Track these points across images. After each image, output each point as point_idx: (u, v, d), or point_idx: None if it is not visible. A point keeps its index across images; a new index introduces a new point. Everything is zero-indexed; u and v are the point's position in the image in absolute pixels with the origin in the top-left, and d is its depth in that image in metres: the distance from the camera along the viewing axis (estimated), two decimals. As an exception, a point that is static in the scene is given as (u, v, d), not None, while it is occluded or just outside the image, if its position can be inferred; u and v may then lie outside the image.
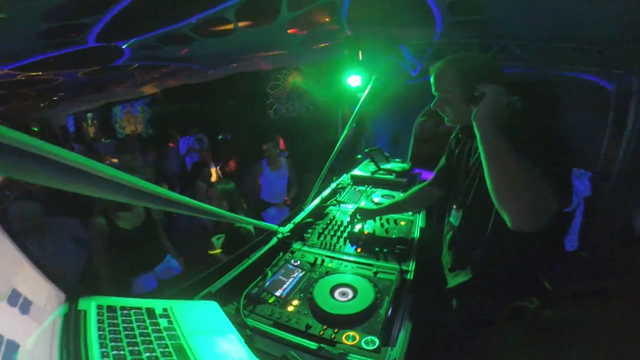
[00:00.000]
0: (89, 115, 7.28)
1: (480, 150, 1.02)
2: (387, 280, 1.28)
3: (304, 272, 1.37)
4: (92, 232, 2.16)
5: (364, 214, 1.73)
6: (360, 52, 2.72)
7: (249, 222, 1.72)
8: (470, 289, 1.36)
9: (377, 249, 1.54)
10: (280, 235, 1.62)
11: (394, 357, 0.91)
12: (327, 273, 1.34)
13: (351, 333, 0.98)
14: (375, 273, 1.33)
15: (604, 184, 3.50)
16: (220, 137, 5.28)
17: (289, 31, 2.37)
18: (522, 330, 1.90)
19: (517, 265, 1.28)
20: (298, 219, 1.83)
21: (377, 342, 0.94)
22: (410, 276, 1.36)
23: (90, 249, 2.21)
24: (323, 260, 1.46)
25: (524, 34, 2.81)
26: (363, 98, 2.49)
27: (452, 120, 1.33)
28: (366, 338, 0.95)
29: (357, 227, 1.69)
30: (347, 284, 1.23)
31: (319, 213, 2.05)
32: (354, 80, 2.76)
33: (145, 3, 1.84)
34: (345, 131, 2.42)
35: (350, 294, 1.18)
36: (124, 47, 2.30)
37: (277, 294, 1.21)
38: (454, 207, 1.46)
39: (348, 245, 1.62)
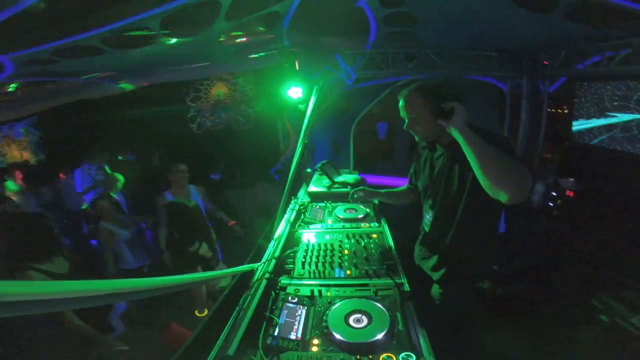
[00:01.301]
0: None
1: (466, 150, 1.39)
2: (389, 297, 1.49)
3: (306, 308, 1.46)
4: None
5: (365, 192, 2.20)
6: (297, 61, 2.92)
7: (225, 274, 1.73)
8: (441, 272, 1.84)
9: (366, 267, 1.74)
10: (267, 276, 1.66)
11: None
12: (330, 303, 1.47)
13: (385, 355, 1.14)
14: (376, 292, 1.52)
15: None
16: (119, 157, 4.66)
17: (221, 41, 2.38)
18: (483, 309, 2.38)
19: (477, 248, 1.76)
20: (276, 251, 1.89)
21: (414, 356, 1.12)
22: (406, 287, 1.59)
23: None
24: (320, 291, 1.57)
25: (441, 44, 3.47)
26: (310, 111, 2.68)
27: (422, 138, 1.77)
28: (402, 355, 1.12)
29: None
30: (358, 309, 1.38)
31: (291, 239, 2.14)
32: (294, 92, 2.94)
33: (42, 10, 1.63)
34: (299, 150, 2.57)
35: (365, 318, 1.33)
36: (5, 61, 1.94)
37: (292, 337, 1.27)
38: (426, 209, 1.92)
39: (336, 269, 1.76)
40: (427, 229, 1.95)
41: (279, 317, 1.38)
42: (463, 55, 3.72)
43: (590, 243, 3.44)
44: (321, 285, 1.61)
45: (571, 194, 4.22)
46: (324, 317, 1.35)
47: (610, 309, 2.38)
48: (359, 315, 1.35)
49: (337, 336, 1.23)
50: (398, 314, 1.36)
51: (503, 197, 1.30)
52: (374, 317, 1.33)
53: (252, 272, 1.83)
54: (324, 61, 3.06)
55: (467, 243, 1.74)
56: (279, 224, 2.39)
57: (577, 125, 3.95)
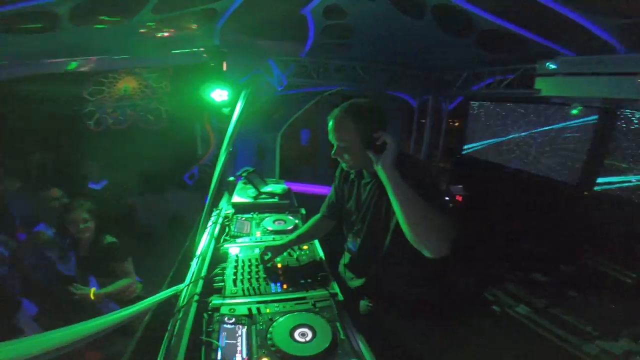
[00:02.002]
0: None
1: (391, 196, 1.38)
2: (327, 308, 1.61)
3: (246, 327, 1.47)
4: None
5: (274, 251, 1.97)
6: (225, 62, 2.84)
7: (148, 304, 1.63)
8: (369, 293, 1.94)
9: (302, 281, 1.83)
10: (197, 298, 1.61)
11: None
12: (272, 320, 1.52)
13: (334, 365, 1.26)
14: (314, 304, 1.63)
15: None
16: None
17: (142, 32, 2.17)
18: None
19: (407, 271, 1.85)
20: (202, 270, 1.84)
21: (359, 363, 1.26)
22: (340, 297, 1.74)
23: None
24: (258, 309, 1.59)
25: (369, 57, 3.84)
26: (237, 116, 2.67)
27: (350, 166, 1.77)
28: (349, 363, 1.26)
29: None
30: (301, 324, 1.46)
31: (216, 255, 2.10)
32: (219, 94, 2.86)
33: None
34: (222, 158, 2.53)
35: (309, 331, 1.42)
36: None
37: (238, 359, 1.29)
38: (351, 235, 1.96)
39: (272, 284, 1.81)
40: (352, 254, 1.98)
41: (218, 340, 1.37)
42: (385, 71, 4.20)
43: (477, 242, 4.23)
44: (258, 302, 1.64)
45: (460, 198, 5.10)
46: (269, 335, 1.40)
47: (499, 300, 3.00)
48: (303, 330, 1.43)
49: (287, 353, 1.29)
50: (338, 324, 1.49)
51: (425, 252, 1.32)
52: (318, 331, 1.43)
53: (175, 296, 1.75)
54: (255, 64, 3.05)
55: (396, 269, 1.80)
56: (201, 239, 2.30)
57: (468, 140, 4.81)
